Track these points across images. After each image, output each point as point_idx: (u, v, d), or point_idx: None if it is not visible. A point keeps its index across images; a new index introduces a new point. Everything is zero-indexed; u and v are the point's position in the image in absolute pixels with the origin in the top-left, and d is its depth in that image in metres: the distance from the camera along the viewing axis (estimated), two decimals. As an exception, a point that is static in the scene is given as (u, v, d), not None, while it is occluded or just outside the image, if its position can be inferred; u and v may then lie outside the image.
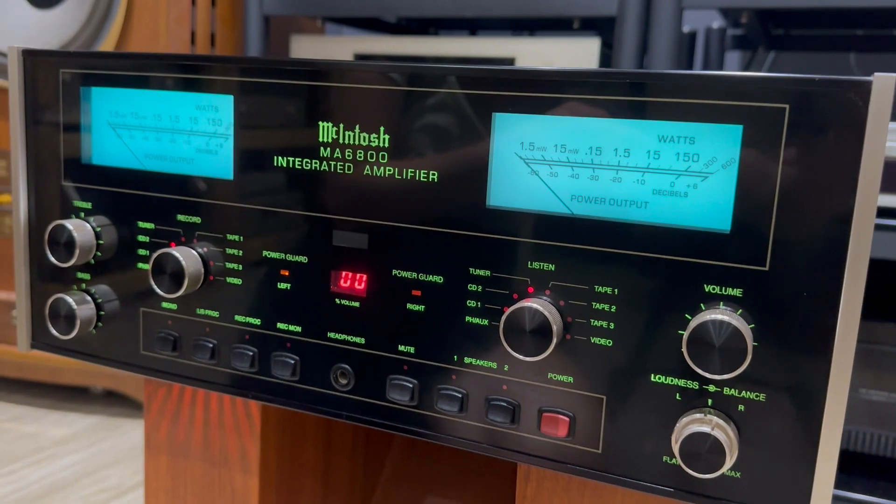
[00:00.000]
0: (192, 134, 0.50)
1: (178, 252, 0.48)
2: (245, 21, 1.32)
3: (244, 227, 0.49)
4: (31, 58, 0.54)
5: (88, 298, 0.53)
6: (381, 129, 0.44)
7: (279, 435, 0.61)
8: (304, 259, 0.48)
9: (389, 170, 0.45)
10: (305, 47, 1.33)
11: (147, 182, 0.51)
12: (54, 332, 0.53)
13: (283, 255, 0.48)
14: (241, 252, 0.49)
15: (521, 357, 0.41)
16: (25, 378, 1.52)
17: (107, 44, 1.34)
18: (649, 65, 1.08)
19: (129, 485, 1.24)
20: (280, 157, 0.47)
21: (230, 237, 0.49)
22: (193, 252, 0.49)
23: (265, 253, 0.49)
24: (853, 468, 0.81)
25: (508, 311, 0.41)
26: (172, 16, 1.33)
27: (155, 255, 0.49)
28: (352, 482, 0.74)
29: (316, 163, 0.46)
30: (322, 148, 0.46)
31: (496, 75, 0.42)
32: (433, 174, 0.44)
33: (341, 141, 0.45)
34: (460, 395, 0.44)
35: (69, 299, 0.52)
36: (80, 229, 0.52)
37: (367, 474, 0.77)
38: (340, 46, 1.31)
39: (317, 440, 0.67)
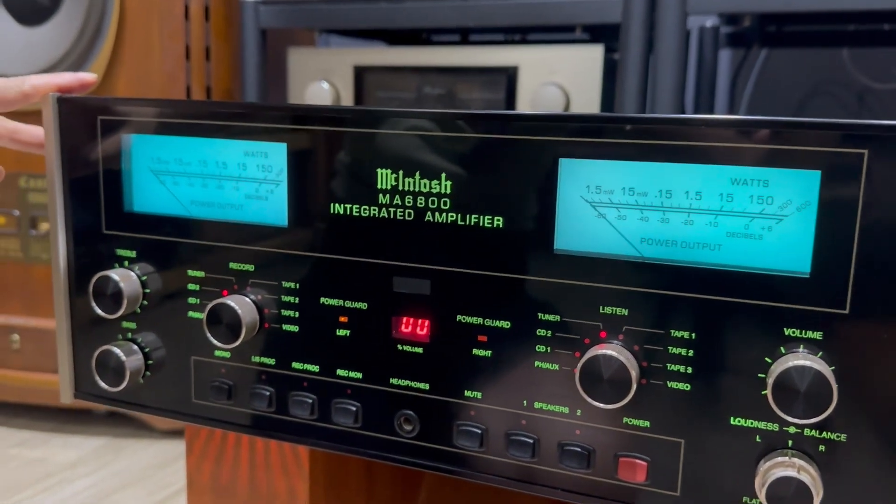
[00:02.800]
0: (240, 180, 0.49)
1: (233, 302, 0.48)
2: (241, 35, 1.31)
3: (300, 275, 0.48)
4: (66, 105, 0.53)
5: (136, 348, 0.52)
6: (443, 175, 0.44)
7: (327, 473, 0.61)
8: (363, 305, 0.47)
9: (452, 216, 0.44)
10: (304, 60, 1.32)
11: (195, 229, 0.51)
12: (102, 384, 0.52)
13: (341, 302, 0.48)
14: (296, 299, 0.49)
15: (599, 405, 0.40)
16: (27, 402, 1.50)
17: (98, 61, 1.32)
18: (655, 68, 1.08)
19: (143, 509, 1.22)
20: (337, 205, 0.47)
21: (286, 284, 0.49)
22: (247, 300, 0.49)
23: (323, 300, 0.48)
24: None
25: (584, 358, 0.41)
26: (166, 31, 1.31)
27: (210, 305, 0.48)
28: (391, 511, 0.74)
29: (374, 209, 0.46)
30: (381, 195, 0.46)
31: (562, 122, 0.41)
32: (498, 220, 0.43)
33: (401, 188, 0.45)
34: (531, 441, 0.44)
35: (117, 350, 0.52)
36: (126, 279, 0.51)
37: (406, 499, 0.76)
38: (340, 58, 1.30)
39: (359, 473, 0.67)
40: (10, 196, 1.43)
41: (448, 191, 0.44)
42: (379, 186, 0.46)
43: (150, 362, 0.53)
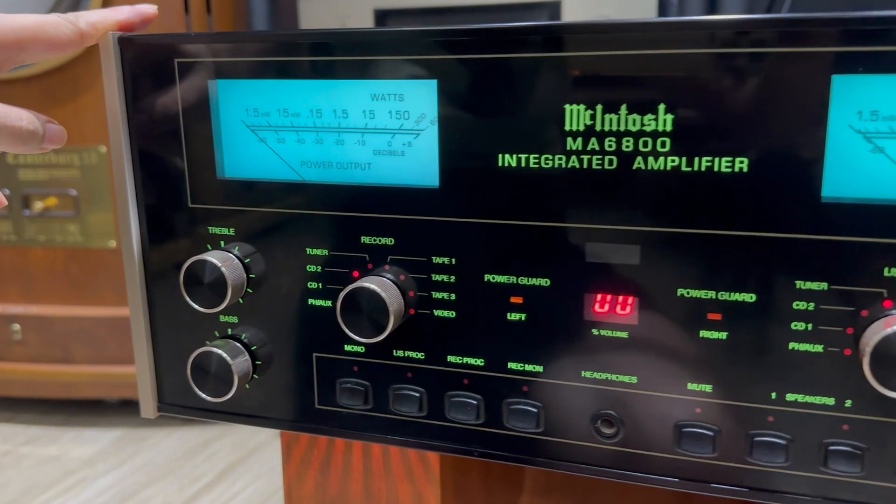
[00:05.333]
0: (367, 132, 0.39)
1: (376, 286, 0.38)
2: (248, -18, 1.18)
3: (457, 247, 0.38)
4: (131, 47, 0.41)
5: (240, 347, 0.42)
6: (661, 107, 0.34)
7: (455, 476, 0.52)
8: (544, 282, 0.37)
9: (673, 160, 0.34)
10: (317, 8, 1.20)
11: (310, 197, 0.40)
12: (202, 394, 0.42)
13: (513, 279, 0.38)
14: (452, 278, 0.38)
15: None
16: (34, 396, 1.38)
17: (89, 18, 1.18)
18: (720, 3, 0.98)
19: (176, 504, 1.13)
20: (507, 156, 0.36)
21: (437, 260, 0.38)
22: (388, 282, 0.39)
23: (488, 277, 0.38)
24: None
25: (876, 337, 0.31)
26: (161, -18, 1.18)
27: (346, 290, 0.38)
28: (506, 508, 0.65)
29: (561, 159, 0.36)
30: (570, 139, 0.35)
31: (836, 24, 0.31)
32: (741, 163, 0.33)
33: (599, 128, 0.35)
34: (783, 442, 0.35)
35: (220, 352, 0.41)
36: (228, 263, 0.41)
37: (514, 493, 0.68)
38: (357, 3, 1.18)
39: (480, 470, 0.58)
40: (-2, 173, 1.30)
41: (668, 127, 0.34)
42: (567, 128, 0.35)
43: (259, 363, 0.43)
